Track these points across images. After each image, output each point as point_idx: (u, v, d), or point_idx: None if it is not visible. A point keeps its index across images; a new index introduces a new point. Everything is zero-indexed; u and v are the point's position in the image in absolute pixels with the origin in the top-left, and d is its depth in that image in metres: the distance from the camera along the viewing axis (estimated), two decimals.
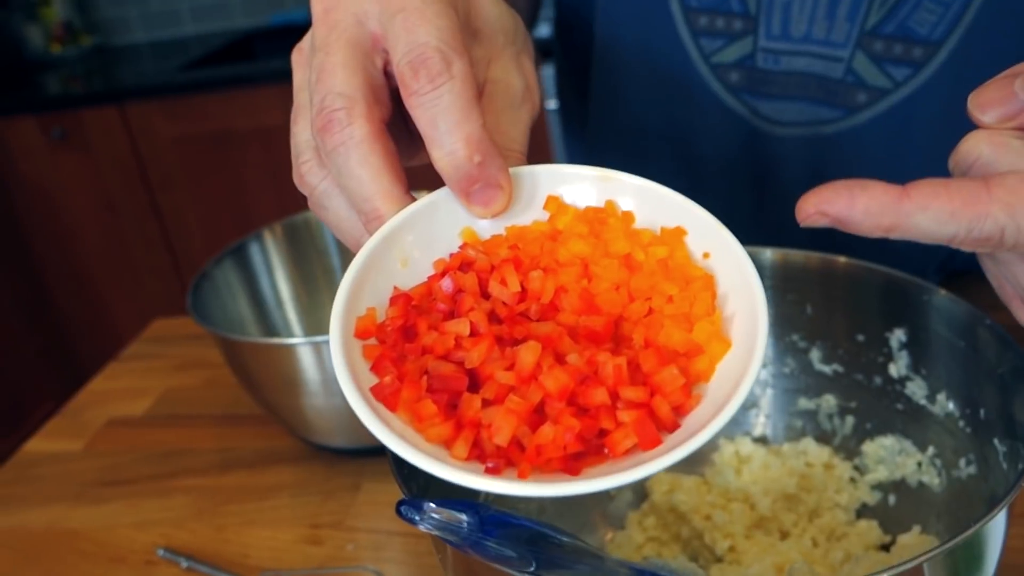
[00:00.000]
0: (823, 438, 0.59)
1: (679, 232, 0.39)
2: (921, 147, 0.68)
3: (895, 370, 0.55)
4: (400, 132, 0.42)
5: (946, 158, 0.68)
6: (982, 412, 0.49)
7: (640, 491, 0.61)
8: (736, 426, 0.62)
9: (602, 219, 0.39)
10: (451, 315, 0.36)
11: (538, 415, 0.33)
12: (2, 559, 0.68)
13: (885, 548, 0.55)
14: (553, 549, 0.39)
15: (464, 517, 0.33)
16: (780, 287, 0.58)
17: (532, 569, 0.36)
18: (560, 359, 0.34)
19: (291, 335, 0.79)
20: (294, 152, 0.42)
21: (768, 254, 0.57)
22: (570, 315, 0.36)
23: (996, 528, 0.41)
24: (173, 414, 0.83)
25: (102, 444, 0.80)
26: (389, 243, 0.38)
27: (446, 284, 0.37)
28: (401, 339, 0.35)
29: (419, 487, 0.47)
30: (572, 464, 0.32)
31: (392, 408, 0.34)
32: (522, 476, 0.32)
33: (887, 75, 0.65)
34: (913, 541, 0.52)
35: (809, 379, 0.59)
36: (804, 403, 0.60)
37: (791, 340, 0.59)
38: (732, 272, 0.37)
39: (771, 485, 0.58)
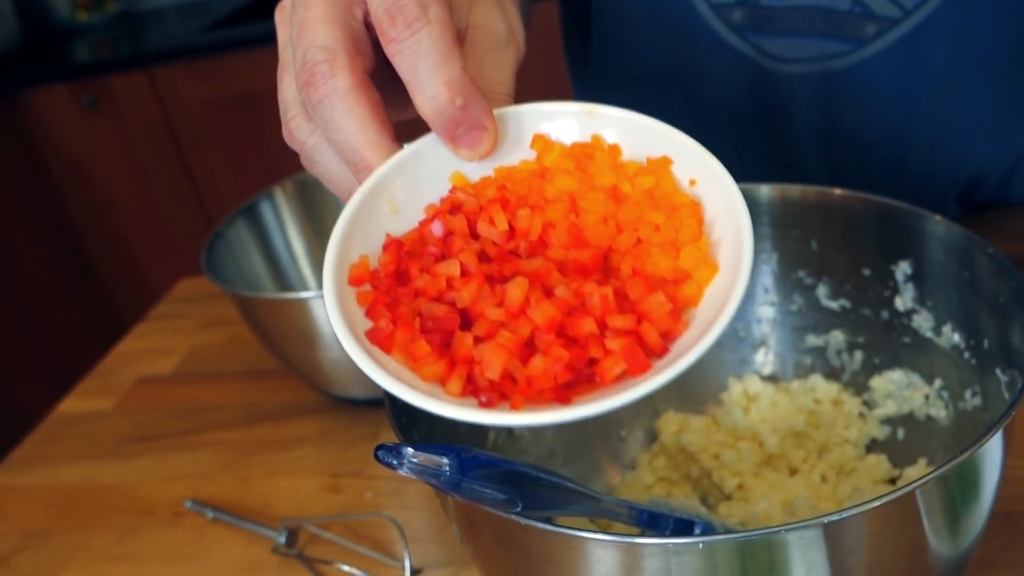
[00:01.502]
0: (832, 374, 0.59)
1: (665, 162, 0.39)
2: (933, 78, 0.66)
3: (901, 303, 0.54)
4: (387, 85, 0.42)
5: (958, 89, 0.67)
6: (985, 343, 0.48)
7: (650, 432, 0.62)
8: (744, 365, 0.62)
9: (589, 154, 0.39)
10: (443, 258, 0.36)
11: (528, 348, 0.33)
12: (38, 514, 0.70)
13: (894, 482, 0.54)
14: (542, 490, 0.39)
15: (444, 460, 0.33)
16: (782, 223, 0.57)
17: (518, 509, 0.37)
18: (549, 293, 0.34)
19: (306, 290, 0.80)
20: (282, 109, 0.42)
21: (765, 190, 0.56)
22: (559, 250, 0.36)
23: (990, 454, 0.41)
24: (199, 371, 0.85)
25: (132, 402, 0.82)
26: (378, 191, 0.38)
27: (436, 228, 0.37)
28: (394, 284, 0.36)
29: (420, 436, 0.48)
30: (564, 394, 0.33)
31: (387, 350, 0.34)
32: (515, 408, 0.32)
33: (896, 3, 0.63)
34: (918, 474, 0.52)
35: (817, 315, 0.59)
36: (812, 340, 0.59)
37: (798, 277, 0.59)
38: (718, 198, 0.37)
39: (779, 423, 0.58)
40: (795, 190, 0.55)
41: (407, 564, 0.56)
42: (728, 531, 0.49)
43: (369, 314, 0.35)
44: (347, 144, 0.38)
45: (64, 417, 0.82)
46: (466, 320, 0.34)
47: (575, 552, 0.38)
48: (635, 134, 0.40)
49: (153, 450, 0.75)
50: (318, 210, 0.80)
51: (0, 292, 2.07)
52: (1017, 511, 0.53)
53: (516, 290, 0.34)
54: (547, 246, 0.36)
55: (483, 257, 0.36)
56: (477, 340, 0.34)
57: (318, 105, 0.39)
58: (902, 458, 0.55)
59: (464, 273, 0.35)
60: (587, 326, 0.33)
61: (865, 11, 0.64)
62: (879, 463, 0.55)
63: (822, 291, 0.58)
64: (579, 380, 0.33)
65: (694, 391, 0.62)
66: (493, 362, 0.33)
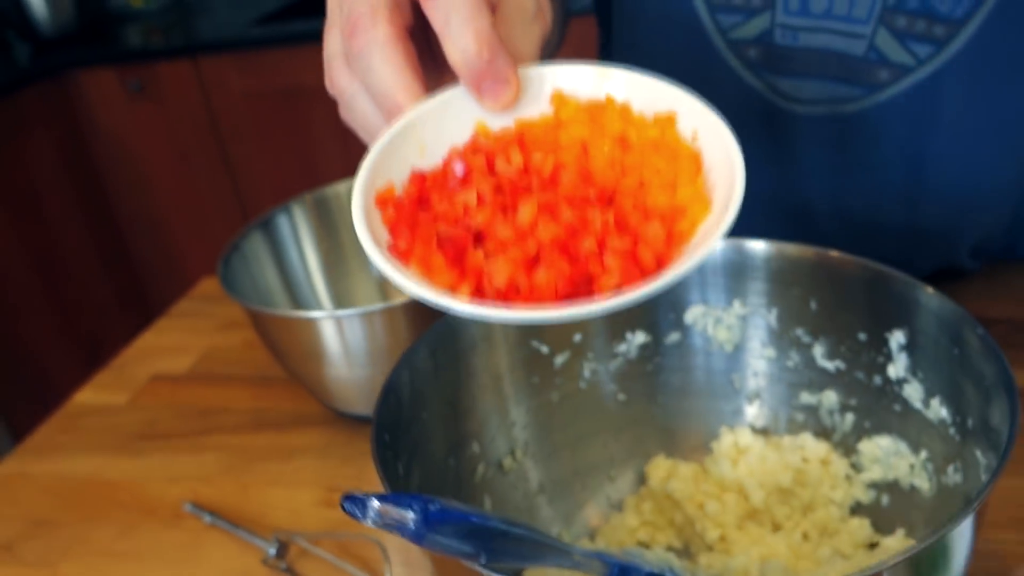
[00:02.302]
0: (823, 434, 0.59)
1: (670, 117, 0.43)
2: (944, 126, 0.66)
3: (894, 371, 0.55)
4: (423, 52, 0.45)
5: (970, 137, 0.67)
6: (970, 421, 0.49)
7: (640, 475, 0.63)
8: (738, 416, 0.62)
9: (601, 109, 0.43)
10: (462, 190, 0.40)
11: (534, 265, 0.37)
12: (44, 502, 0.73)
13: (874, 547, 0.55)
14: (510, 543, 0.40)
15: (410, 514, 0.35)
16: (781, 279, 0.58)
17: (483, 562, 0.38)
18: (555, 218, 0.38)
19: (319, 306, 0.82)
20: (326, 60, 0.46)
21: (762, 246, 0.57)
22: (568, 187, 0.40)
23: (960, 537, 0.41)
24: (212, 373, 0.87)
25: (145, 399, 0.85)
26: (408, 131, 0.42)
27: (458, 166, 0.42)
28: (416, 208, 0.40)
29: (403, 470, 0.49)
30: (563, 306, 0.36)
31: (405, 263, 0.38)
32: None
33: (910, 52, 0.63)
34: (895, 544, 0.52)
35: (812, 374, 0.59)
36: (806, 397, 0.60)
37: (796, 334, 0.59)
38: (717, 149, 0.41)
39: (767, 477, 0.58)
40: (792, 249, 0.56)
41: None
42: None
43: (392, 231, 0.40)
44: (382, 89, 0.42)
45: (79, 408, 0.85)
46: (479, 240, 0.38)
47: None
48: (645, 93, 0.44)
49: (161, 449, 0.77)
50: (335, 227, 0.81)
51: (36, 267, 2.12)
52: None
53: (526, 210, 0.38)
54: (557, 184, 0.40)
55: (498, 190, 0.40)
56: (487, 255, 0.38)
57: (359, 54, 0.42)
58: (884, 524, 0.55)
59: (480, 201, 0.39)
60: (588, 244, 0.37)
61: (879, 57, 0.65)
62: (862, 527, 0.55)
63: (818, 350, 0.59)
64: (578, 294, 0.37)
65: (686, 436, 0.63)
66: (500, 271, 0.37)
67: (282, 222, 0.79)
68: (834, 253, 0.55)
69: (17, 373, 2.05)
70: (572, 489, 0.62)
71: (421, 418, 0.53)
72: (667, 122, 0.42)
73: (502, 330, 0.58)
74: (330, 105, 0.48)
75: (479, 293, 0.37)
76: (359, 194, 0.40)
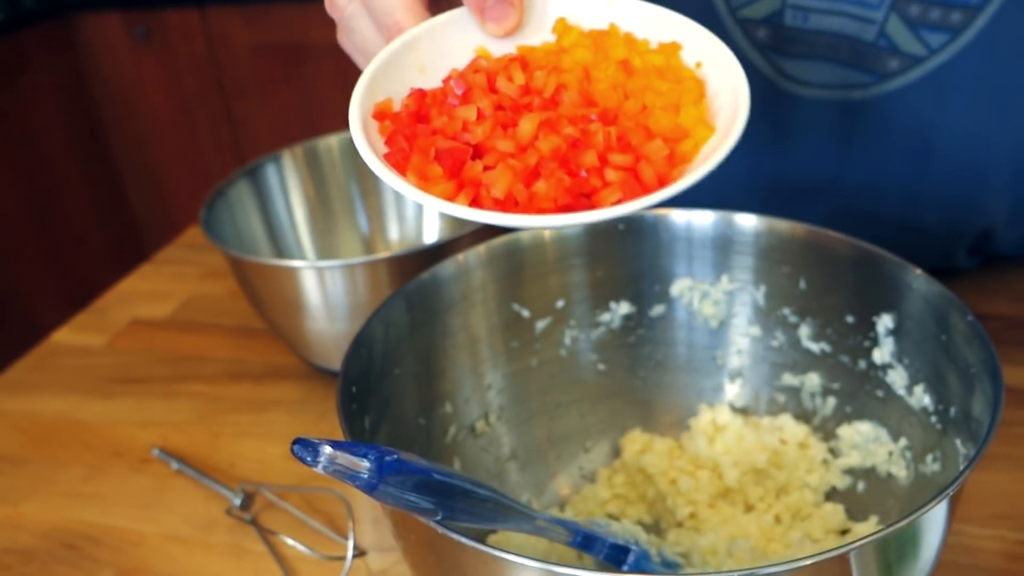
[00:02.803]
0: (803, 416, 0.58)
1: (675, 45, 0.42)
2: (952, 120, 0.64)
3: (879, 356, 0.53)
4: None
5: (981, 130, 0.65)
6: (952, 410, 0.47)
7: (616, 447, 0.62)
8: (718, 393, 0.61)
9: (606, 36, 0.43)
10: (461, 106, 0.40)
11: (533, 177, 0.37)
12: (12, 439, 0.72)
13: (846, 534, 0.54)
14: (472, 503, 0.39)
15: (364, 463, 0.33)
16: (772, 257, 0.56)
17: (439, 518, 0.37)
18: (556, 131, 0.38)
19: (304, 258, 0.80)
20: None
21: (753, 221, 0.55)
22: (569, 107, 0.39)
23: (932, 524, 0.40)
24: (193, 320, 0.86)
25: (123, 342, 0.83)
26: (409, 48, 0.42)
27: (457, 84, 0.41)
28: (414, 122, 0.40)
29: (370, 426, 0.48)
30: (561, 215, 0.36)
31: (402, 172, 0.38)
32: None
33: (922, 41, 0.62)
34: (867, 531, 0.51)
35: (796, 355, 0.58)
36: (789, 379, 0.59)
37: (782, 314, 0.58)
38: (722, 76, 0.41)
39: (742, 457, 0.57)
40: (783, 225, 0.54)
41: (350, 544, 0.56)
42: (666, 563, 0.49)
43: (388, 143, 0.39)
44: (383, 7, 0.42)
45: (55, 348, 0.84)
46: (478, 154, 0.38)
47: (489, 568, 0.38)
48: (650, 23, 0.43)
49: (134, 393, 0.76)
50: (324, 180, 0.80)
51: (32, 212, 2.11)
52: None
53: (528, 123, 0.37)
54: (558, 104, 0.40)
55: (499, 107, 0.40)
56: (486, 168, 0.37)
57: None
58: (858, 511, 0.54)
59: (480, 117, 0.39)
60: (589, 158, 0.37)
61: (890, 45, 0.63)
62: (835, 513, 0.54)
63: (804, 331, 0.57)
64: (577, 206, 0.36)
65: (665, 411, 0.62)
66: (499, 181, 0.36)
67: (270, 171, 0.78)
68: (825, 231, 0.53)
69: (6, 318, 2.04)
70: (545, 458, 0.61)
71: (393, 374, 0.52)
72: (672, 49, 0.42)
73: (483, 290, 0.57)
74: (338, 63, 0.48)
75: (476, 204, 0.36)
76: (357, 103, 0.40)
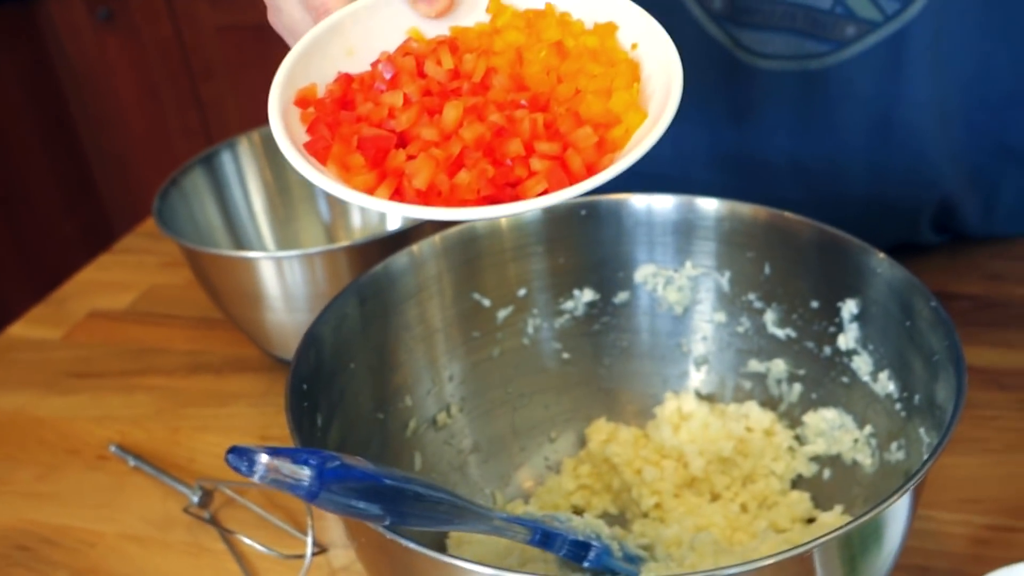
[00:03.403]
0: (769, 403, 0.57)
1: (611, 26, 0.41)
2: (909, 88, 0.64)
3: (844, 342, 0.52)
4: None
5: (934, 99, 0.65)
6: (916, 397, 0.47)
7: (581, 437, 0.61)
8: (684, 380, 0.60)
9: (540, 16, 0.42)
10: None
11: (458, 167, 0.36)
12: None
13: (811, 522, 0.53)
14: (424, 506, 0.38)
15: (306, 471, 0.32)
16: (735, 241, 0.55)
17: (388, 524, 0.36)
18: (481, 118, 0.37)
19: (263, 248, 0.78)
20: None
21: (715, 205, 0.54)
22: (499, 92, 0.38)
23: (895, 516, 0.39)
24: (152, 312, 0.84)
25: (80, 335, 0.81)
26: (335, 31, 0.41)
27: (385, 68, 0.40)
28: (338, 108, 0.38)
29: (322, 423, 0.46)
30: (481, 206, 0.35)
31: (322, 161, 0.37)
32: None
33: (877, 7, 0.61)
34: (832, 521, 0.50)
35: (762, 341, 0.57)
36: (755, 365, 0.58)
37: (748, 299, 0.57)
38: (657, 57, 0.40)
39: (708, 446, 0.56)
40: (746, 208, 0.53)
41: (309, 541, 0.55)
42: (628, 558, 0.48)
43: (310, 131, 0.38)
44: None
45: (11, 342, 0.81)
46: (402, 143, 0.37)
47: (441, 573, 0.36)
48: (587, 3, 0.42)
49: (91, 388, 0.74)
50: (283, 167, 0.78)
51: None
52: (933, 567, 0.51)
53: (452, 111, 0.36)
54: (488, 89, 0.39)
55: (426, 92, 0.38)
56: (410, 158, 0.36)
57: None
58: (824, 498, 0.54)
59: (406, 103, 0.38)
60: (515, 147, 0.36)
61: (846, 11, 0.62)
62: (801, 501, 0.54)
63: (770, 317, 0.56)
64: (501, 197, 0.35)
65: (630, 399, 0.61)
66: (421, 172, 0.35)
67: (226, 159, 0.76)
68: (788, 215, 0.52)
69: None
70: (509, 449, 0.60)
71: (348, 369, 0.51)
72: (607, 31, 0.41)
73: (440, 281, 0.56)
74: None
75: (399, 195, 0.35)
76: (277, 89, 0.38)
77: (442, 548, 0.52)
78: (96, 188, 2.33)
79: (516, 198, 0.35)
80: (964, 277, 0.74)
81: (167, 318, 0.82)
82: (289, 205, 0.79)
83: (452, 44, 0.40)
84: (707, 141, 0.69)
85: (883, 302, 0.49)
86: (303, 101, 0.39)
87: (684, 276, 0.58)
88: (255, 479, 0.31)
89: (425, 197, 0.35)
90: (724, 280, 0.57)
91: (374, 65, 0.40)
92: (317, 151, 0.37)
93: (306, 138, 0.38)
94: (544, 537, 0.44)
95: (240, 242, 0.77)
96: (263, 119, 0.99)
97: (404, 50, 0.41)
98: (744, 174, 0.70)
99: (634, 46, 0.41)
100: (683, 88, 0.39)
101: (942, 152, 0.68)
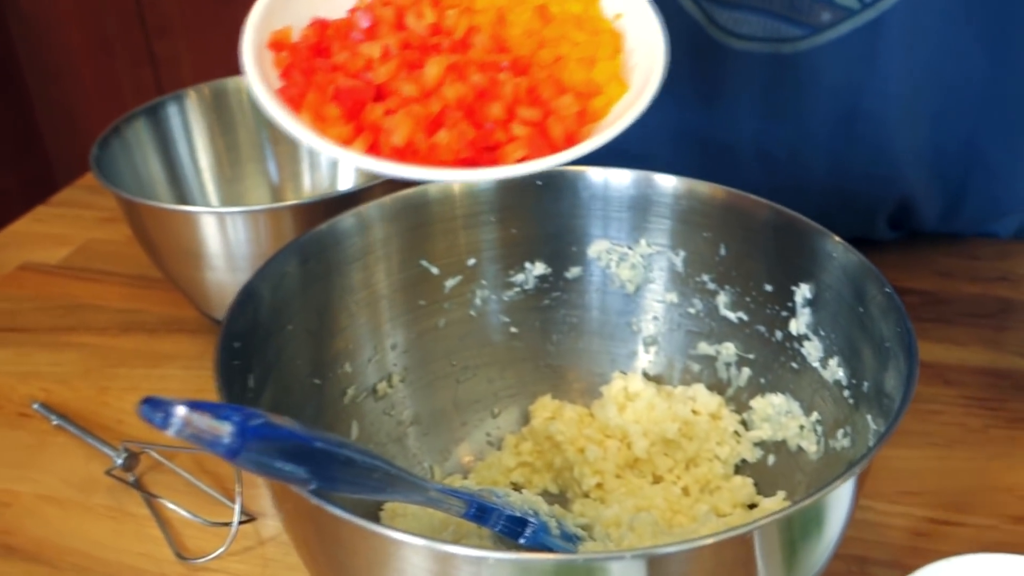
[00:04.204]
0: (717, 387, 0.56)
1: None
2: (880, 79, 0.63)
3: (795, 327, 0.52)
4: None
5: (904, 90, 0.64)
6: (865, 385, 0.46)
7: (525, 414, 0.59)
8: (632, 359, 0.59)
9: None
10: (366, 42, 0.37)
11: (437, 125, 0.35)
12: None
13: (753, 508, 0.52)
14: (355, 473, 0.36)
15: (226, 427, 0.30)
16: (691, 220, 0.54)
17: (313, 488, 0.34)
18: (462, 77, 0.36)
19: (208, 206, 0.75)
20: None
21: (672, 182, 0.53)
22: (480, 52, 0.37)
23: (837, 503, 0.39)
24: (87, 267, 0.80)
25: (8, 288, 0.78)
26: None
27: (363, 17, 0.39)
28: (313, 55, 0.37)
29: (254, 384, 0.44)
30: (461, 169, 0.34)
31: (296, 109, 0.35)
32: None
33: None
34: (773, 506, 0.49)
35: (713, 323, 0.56)
36: (704, 347, 0.57)
37: (701, 280, 0.56)
38: (641, 30, 0.39)
39: (652, 427, 0.55)
40: (703, 187, 0.52)
41: (237, 509, 0.53)
42: (566, 536, 0.47)
43: (284, 76, 0.36)
44: None
45: None
46: (380, 96, 0.36)
47: (370, 544, 0.35)
48: None
49: (17, 342, 0.71)
50: (232, 123, 0.75)
51: None
52: (871, 557, 0.51)
53: (433, 67, 0.35)
54: (469, 47, 0.37)
55: (406, 46, 0.37)
56: (387, 112, 0.35)
57: None
58: (767, 484, 0.53)
59: (385, 55, 0.36)
60: (496, 110, 0.35)
61: None
62: (744, 486, 0.53)
63: (723, 299, 0.55)
64: (479, 160, 0.34)
65: (577, 377, 0.60)
66: (400, 128, 0.34)
67: (172, 112, 0.72)
68: (746, 195, 0.51)
69: None
70: (450, 423, 0.58)
71: (286, 330, 0.49)
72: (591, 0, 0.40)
73: (388, 245, 0.54)
74: None
75: (374, 151, 0.34)
76: (250, 30, 0.37)
77: (375, 520, 0.51)
78: (42, 141, 2.26)
79: (493, 162, 0.34)
80: (916, 272, 0.74)
81: (102, 274, 0.79)
82: (237, 164, 0.76)
83: None
84: (673, 119, 0.68)
85: (837, 287, 0.48)
86: (276, 44, 0.38)
87: (638, 254, 0.56)
88: (170, 432, 0.29)
89: (401, 154, 0.34)
90: (678, 260, 0.56)
91: (352, 12, 0.39)
92: (291, 98, 0.36)
93: (278, 84, 0.37)
94: (480, 511, 0.43)
95: (184, 199, 0.75)
96: (218, 76, 0.96)
97: (384, 0, 0.39)
98: (707, 156, 0.69)
99: (617, 16, 0.40)
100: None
101: (906, 149, 0.67)
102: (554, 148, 0.35)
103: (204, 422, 0.29)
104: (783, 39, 0.63)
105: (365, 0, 0.40)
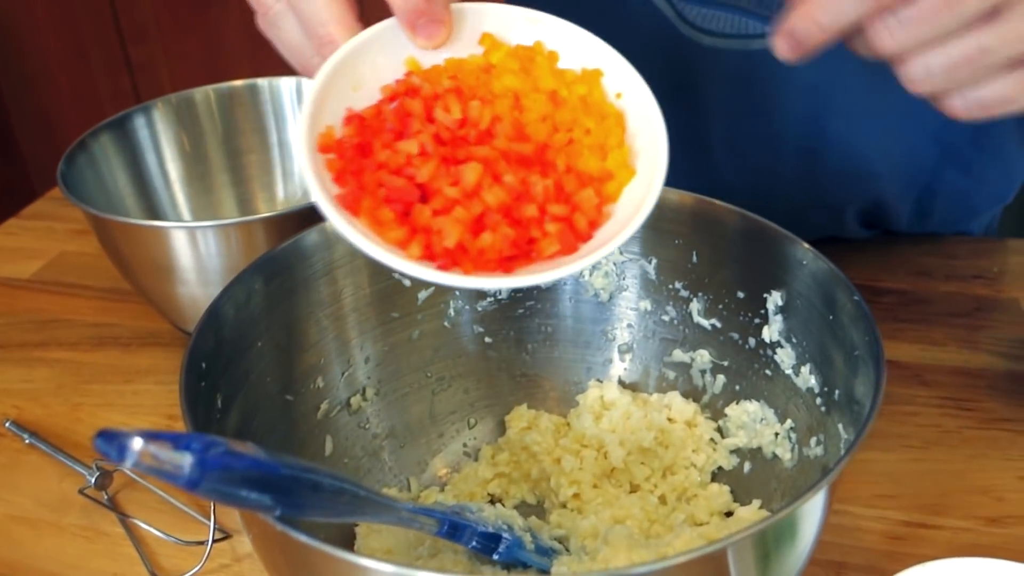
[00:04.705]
0: (692, 394, 0.56)
1: (597, 73, 0.44)
2: (851, 77, 0.63)
3: (768, 334, 0.52)
4: None
5: (877, 82, 0.64)
6: (837, 392, 0.46)
7: (502, 424, 0.59)
8: (608, 367, 0.59)
9: (531, 56, 0.44)
10: (400, 136, 0.40)
11: (479, 225, 0.39)
12: None
13: (730, 515, 0.52)
14: (321, 496, 0.36)
15: (187, 458, 0.29)
16: (663, 228, 0.54)
17: (278, 515, 0.33)
18: (497, 179, 0.39)
19: (178, 219, 0.75)
20: None
21: None
22: (503, 140, 0.41)
23: (810, 513, 0.39)
24: (59, 281, 0.79)
25: None
26: (344, 67, 0.42)
27: (395, 111, 0.41)
28: (358, 155, 0.40)
29: (222, 405, 0.44)
30: (506, 265, 0.38)
31: (355, 214, 0.39)
32: (466, 273, 0.38)
33: None
34: (749, 515, 0.49)
35: (687, 330, 0.56)
36: (679, 355, 0.57)
37: (675, 287, 0.56)
38: (640, 112, 0.43)
39: (629, 436, 0.55)
40: (673, 195, 0.52)
41: (212, 526, 0.52)
42: (541, 551, 0.46)
43: (338, 180, 0.39)
44: (315, 17, 0.41)
45: None
46: (423, 195, 0.39)
47: (336, 569, 0.34)
48: (572, 44, 0.45)
49: None
50: (200, 134, 0.74)
51: None
52: (849, 562, 0.51)
53: (471, 173, 0.39)
54: (493, 136, 0.41)
55: (439, 141, 0.40)
56: (434, 213, 0.38)
57: None
58: (743, 492, 0.53)
59: (422, 152, 0.40)
60: (531, 210, 0.39)
61: None
62: (720, 494, 0.53)
63: (696, 306, 0.55)
64: (519, 255, 0.39)
65: (552, 386, 0.59)
66: (451, 232, 0.38)
67: (139, 124, 0.71)
68: (715, 202, 0.51)
69: None
70: (426, 435, 0.58)
71: (255, 347, 0.48)
72: (594, 78, 0.44)
73: (356, 258, 0.53)
74: (244, 10, 0.45)
75: (428, 250, 0.38)
76: (303, 139, 0.39)
77: (351, 537, 0.50)
78: (17, 149, 2.24)
79: (530, 255, 0.39)
80: (893, 271, 0.74)
81: (74, 288, 0.78)
82: (207, 175, 0.75)
83: (457, 89, 0.42)
84: None
85: (807, 295, 0.48)
86: (324, 147, 0.40)
87: (611, 262, 0.56)
88: (126, 466, 0.28)
89: (452, 254, 0.38)
90: (651, 267, 0.56)
91: (381, 103, 0.41)
92: (349, 203, 0.38)
93: (335, 189, 0.39)
94: (452, 529, 0.42)
95: (154, 212, 0.74)
96: (196, 83, 0.96)
97: (407, 85, 0.42)
98: (679, 152, 0.69)
99: (618, 95, 0.43)
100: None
101: (876, 146, 0.67)
102: (580, 238, 0.39)
103: (162, 453, 0.29)
104: (752, 35, 0.63)
105: (390, 85, 0.42)
